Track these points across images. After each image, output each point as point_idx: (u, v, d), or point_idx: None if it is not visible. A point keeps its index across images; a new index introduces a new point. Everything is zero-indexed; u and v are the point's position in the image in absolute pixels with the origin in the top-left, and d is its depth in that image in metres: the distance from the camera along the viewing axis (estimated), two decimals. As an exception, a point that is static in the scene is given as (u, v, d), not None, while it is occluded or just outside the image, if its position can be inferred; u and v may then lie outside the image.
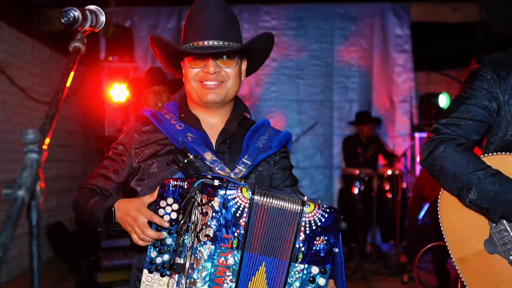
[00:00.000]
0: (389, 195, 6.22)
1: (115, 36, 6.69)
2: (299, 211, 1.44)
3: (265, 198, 1.44)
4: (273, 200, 1.45)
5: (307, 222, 1.44)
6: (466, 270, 1.69)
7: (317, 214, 1.44)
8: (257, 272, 1.45)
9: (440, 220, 1.75)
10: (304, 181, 7.38)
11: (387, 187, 6.26)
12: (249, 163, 1.65)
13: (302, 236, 1.45)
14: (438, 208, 1.76)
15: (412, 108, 7.35)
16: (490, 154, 1.71)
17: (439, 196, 1.77)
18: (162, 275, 1.51)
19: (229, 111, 1.80)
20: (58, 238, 5.91)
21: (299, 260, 1.45)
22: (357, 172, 6.21)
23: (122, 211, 1.54)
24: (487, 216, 1.65)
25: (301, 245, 1.45)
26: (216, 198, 1.41)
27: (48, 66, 6.25)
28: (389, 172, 6.24)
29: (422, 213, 5.49)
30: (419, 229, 5.53)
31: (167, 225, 1.48)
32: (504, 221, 1.64)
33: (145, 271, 1.52)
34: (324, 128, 7.52)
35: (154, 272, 1.51)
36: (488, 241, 1.66)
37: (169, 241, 1.50)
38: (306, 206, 1.45)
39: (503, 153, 1.68)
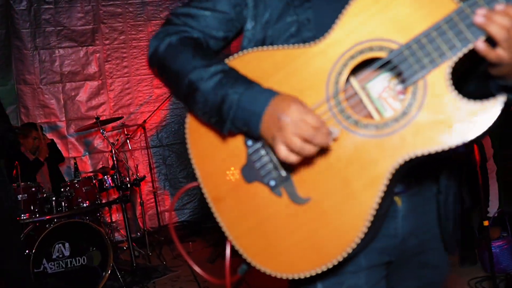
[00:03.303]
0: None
1: None
2: None
3: None
4: None
5: None
6: (223, 211, 1.25)
7: None
8: None
9: (189, 152, 1.31)
10: (171, 159, 6.84)
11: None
12: None
13: None
14: (186, 136, 1.32)
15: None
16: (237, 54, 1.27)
17: (186, 121, 1.33)
18: None
19: None
20: None
21: None
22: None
23: None
24: (220, 130, 1.22)
25: None
26: None
27: None
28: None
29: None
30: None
31: None
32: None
33: None
34: (183, 100, 7.02)
35: None
36: (246, 168, 1.22)
37: None
38: None
39: (256, 48, 1.24)
